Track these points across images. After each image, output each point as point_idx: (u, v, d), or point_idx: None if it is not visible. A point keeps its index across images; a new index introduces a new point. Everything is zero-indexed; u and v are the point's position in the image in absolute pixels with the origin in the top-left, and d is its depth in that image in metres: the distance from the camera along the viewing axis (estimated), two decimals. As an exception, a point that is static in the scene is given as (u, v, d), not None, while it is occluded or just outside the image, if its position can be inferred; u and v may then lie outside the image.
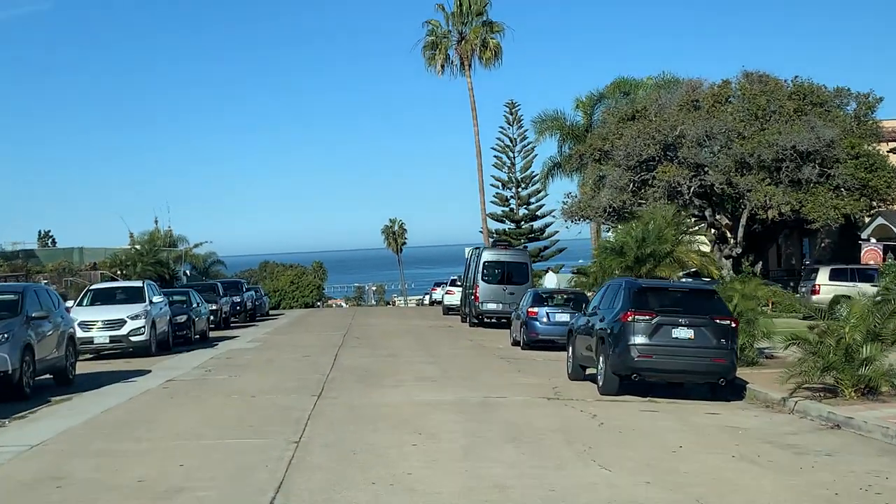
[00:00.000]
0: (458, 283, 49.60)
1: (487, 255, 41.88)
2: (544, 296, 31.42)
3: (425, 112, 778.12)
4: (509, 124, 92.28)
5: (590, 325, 20.66)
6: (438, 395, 19.20)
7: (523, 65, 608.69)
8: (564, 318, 29.77)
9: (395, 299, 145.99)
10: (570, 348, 22.16)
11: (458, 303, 50.98)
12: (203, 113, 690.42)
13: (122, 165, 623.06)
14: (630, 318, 18.70)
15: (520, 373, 23.62)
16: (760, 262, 46.68)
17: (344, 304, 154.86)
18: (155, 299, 29.65)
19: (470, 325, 42.30)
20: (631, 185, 43.55)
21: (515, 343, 31.80)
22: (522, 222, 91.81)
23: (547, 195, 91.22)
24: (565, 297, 31.57)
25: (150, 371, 24.53)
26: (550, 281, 55.64)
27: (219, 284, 44.84)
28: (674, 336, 18.60)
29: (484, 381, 21.68)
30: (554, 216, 46.14)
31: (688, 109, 43.90)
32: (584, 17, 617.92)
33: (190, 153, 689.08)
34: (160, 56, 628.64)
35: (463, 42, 65.02)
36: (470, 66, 65.32)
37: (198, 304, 34.93)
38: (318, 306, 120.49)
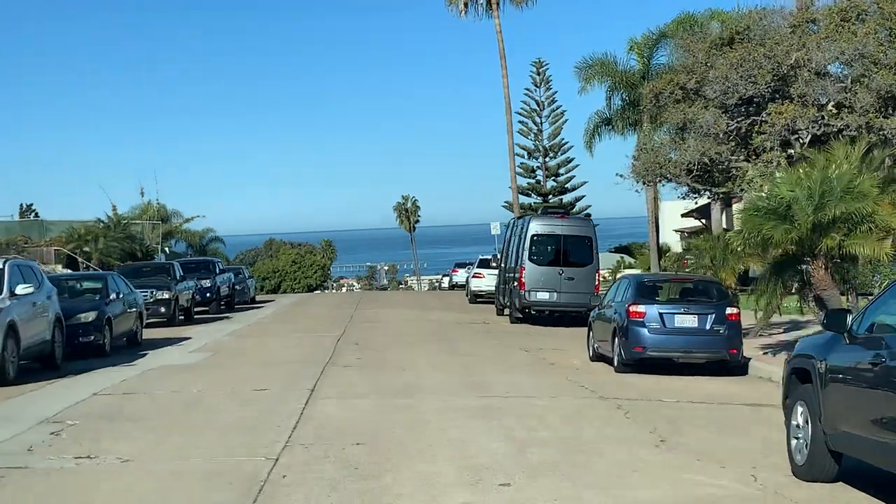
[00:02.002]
0: (492, 265, 37.21)
1: (537, 226, 29.56)
2: (649, 284, 19.06)
3: (445, 65, 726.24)
4: (536, 86, 79.77)
5: None
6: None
7: (561, 2, 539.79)
8: (689, 322, 17.64)
9: (408, 279, 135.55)
10: (814, 404, 9.51)
11: (491, 289, 38.78)
12: (206, 84, 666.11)
13: (118, 136, 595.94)
14: None
15: (665, 446, 11.32)
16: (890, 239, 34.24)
17: (356, 284, 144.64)
18: (20, 290, 17.37)
19: (512, 321, 30.08)
20: (730, 133, 31.08)
21: (599, 357, 19.58)
22: (550, 196, 79.35)
23: (578, 165, 79.32)
24: (684, 287, 19.24)
25: (-49, 431, 12.36)
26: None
27: (174, 265, 32.47)
28: None
29: (618, 479, 9.41)
30: (622, 176, 33.51)
31: (803, 31, 31.32)
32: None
33: (190, 124, 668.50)
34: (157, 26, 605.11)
35: (490, -25, 52.51)
36: (498, 4, 52.82)
37: (118, 294, 22.58)
38: (328, 288, 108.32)
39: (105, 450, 11.01)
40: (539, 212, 30.12)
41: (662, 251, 49.71)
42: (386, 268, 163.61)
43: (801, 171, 17.99)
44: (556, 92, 79.47)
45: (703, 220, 53.16)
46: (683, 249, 53.26)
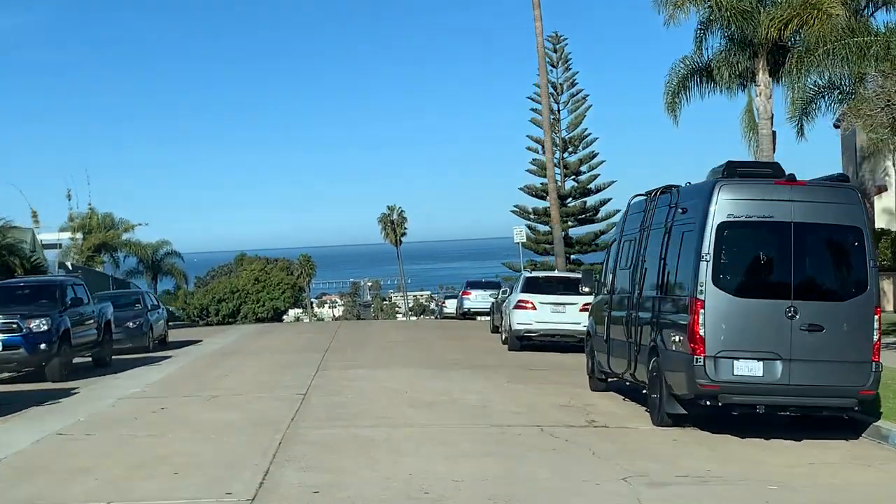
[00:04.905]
0: (583, 289, 18.85)
1: (731, 203, 11.81)
2: None
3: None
4: (553, 65, 62.24)
5: None
6: None
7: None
8: None
9: (392, 295, 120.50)
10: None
11: (547, 328, 21.51)
12: (186, 94, 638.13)
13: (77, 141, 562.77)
14: None
15: None
16: None
17: (339, 302, 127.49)
18: None
19: (657, 422, 12.46)
20: None
21: None
22: (569, 198, 61.93)
23: (604, 162, 61.92)
24: None
25: None
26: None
27: None
28: None
29: None
30: (837, 126, 16.23)
31: None
32: None
33: (164, 136, 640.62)
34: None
35: None
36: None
37: None
38: (305, 308, 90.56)
39: None
40: (724, 172, 12.13)
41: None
42: (370, 284, 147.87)
43: None
44: (576, 73, 62.23)
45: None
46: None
